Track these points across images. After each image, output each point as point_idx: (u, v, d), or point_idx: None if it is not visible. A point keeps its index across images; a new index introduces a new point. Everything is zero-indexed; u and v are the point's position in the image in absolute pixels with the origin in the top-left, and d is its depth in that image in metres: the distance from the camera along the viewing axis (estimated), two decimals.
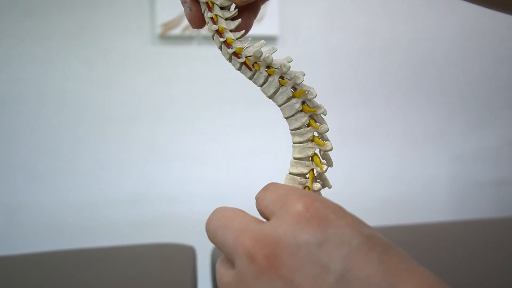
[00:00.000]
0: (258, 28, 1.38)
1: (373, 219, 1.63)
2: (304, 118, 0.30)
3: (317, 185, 0.30)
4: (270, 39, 1.41)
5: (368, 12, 1.53)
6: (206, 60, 1.38)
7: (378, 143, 1.55)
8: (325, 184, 0.31)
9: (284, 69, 0.30)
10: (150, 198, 1.38)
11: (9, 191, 1.31)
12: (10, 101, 1.30)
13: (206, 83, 1.40)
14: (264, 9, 1.38)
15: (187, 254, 0.60)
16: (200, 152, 1.41)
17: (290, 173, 0.31)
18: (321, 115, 0.31)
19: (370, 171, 1.54)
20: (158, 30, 1.34)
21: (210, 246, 0.82)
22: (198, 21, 0.32)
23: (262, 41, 0.30)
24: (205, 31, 1.30)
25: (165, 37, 1.37)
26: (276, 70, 0.30)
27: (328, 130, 0.30)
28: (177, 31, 1.34)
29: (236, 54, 0.30)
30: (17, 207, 1.31)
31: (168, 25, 1.34)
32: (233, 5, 0.31)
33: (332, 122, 1.68)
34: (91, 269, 0.55)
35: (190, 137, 1.41)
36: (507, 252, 0.60)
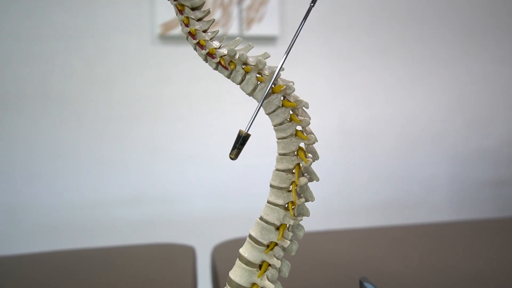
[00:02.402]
0: (258, 28, 1.38)
1: (373, 219, 1.62)
2: (285, 113, 0.30)
3: (303, 180, 0.30)
4: (270, 39, 1.41)
5: (368, 12, 1.53)
6: None
7: (378, 143, 1.55)
8: (312, 177, 0.31)
9: (260, 66, 0.29)
10: (150, 198, 1.38)
11: (9, 191, 1.31)
12: (11, 101, 1.30)
13: (206, 83, 1.40)
14: (264, 9, 1.38)
15: (187, 254, 0.60)
16: (200, 152, 1.41)
17: (277, 170, 0.31)
18: (303, 108, 0.30)
19: (370, 171, 1.54)
20: (158, 30, 1.34)
21: (210, 246, 0.82)
22: None
23: (238, 38, 0.30)
24: None
25: (165, 37, 1.37)
26: (252, 67, 0.29)
27: (309, 123, 0.29)
28: (176, 31, 1.34)
29: (210, 55, 0.30)
30: (17, 207, 1.31)
31: (168, 25, 1.34)
32: (205, 5, 0.31)
33: (332, 122, 1.66)
34: (91, 269, 0.55)
35: (190, 137, 1.41)
36: (506, 252, 0.60)
